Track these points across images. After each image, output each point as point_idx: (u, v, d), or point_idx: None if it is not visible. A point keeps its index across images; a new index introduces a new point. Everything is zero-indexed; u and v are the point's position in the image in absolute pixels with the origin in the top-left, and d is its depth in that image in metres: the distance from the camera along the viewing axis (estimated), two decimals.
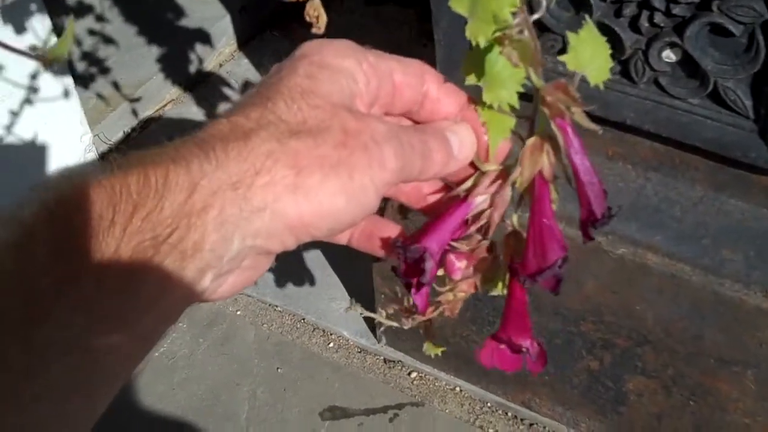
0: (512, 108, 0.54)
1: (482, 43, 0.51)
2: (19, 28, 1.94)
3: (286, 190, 0.44)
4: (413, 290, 0.56)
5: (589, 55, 0.51)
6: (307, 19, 1.17)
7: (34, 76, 2.10)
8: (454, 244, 0.56)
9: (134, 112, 2.69)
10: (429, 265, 0.52)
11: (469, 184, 0.55)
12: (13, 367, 0.37)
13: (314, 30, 1.17)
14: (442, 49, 1.44)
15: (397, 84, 0.53)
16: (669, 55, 1.26)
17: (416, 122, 0.56)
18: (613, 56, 1.28)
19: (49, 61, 0.87)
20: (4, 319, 0.37)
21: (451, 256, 0.57)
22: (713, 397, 1.54)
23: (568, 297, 1.56)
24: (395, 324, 0.69)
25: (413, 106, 0.54)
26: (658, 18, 1.22)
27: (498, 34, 0.50)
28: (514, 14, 0.50)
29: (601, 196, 0.53)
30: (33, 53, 0.88)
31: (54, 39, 2.09)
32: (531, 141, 0.53)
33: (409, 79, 0.53)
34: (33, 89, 2.11)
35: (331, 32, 2.80)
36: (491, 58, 0.53)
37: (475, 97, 0.56)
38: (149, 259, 0.41)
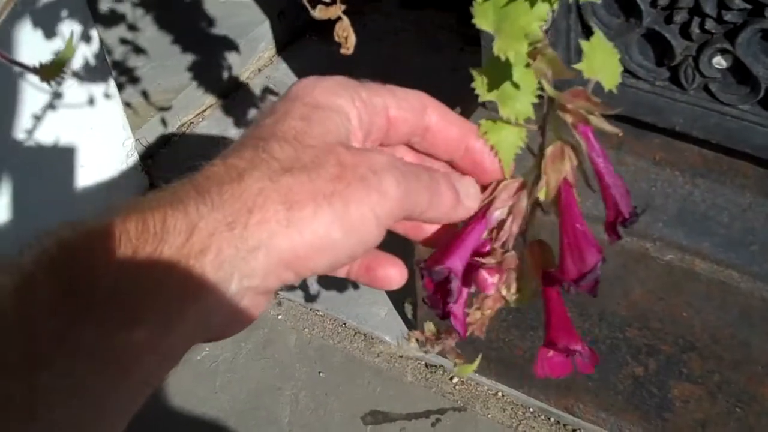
0: (527, 120, 0.55)
1: (512, 59, 0.51)
2: (49, 33, 1.95)
3: (278, 226, 0.44)
4: (452, 317, 0.56)
5: (600, 62, 0.52)
6: (336, 39, 1.17)
7: (74, 82, 2.12)
8: (481, 260, 0.57)
9: (174, 117, 2.71)
10: (455, 284, 0.52)
11: (486, 198, 0.56)
12: (17, 410, 0.37)
13: (343, 50, 1.17)
14: (488, 53, 1.44)
15: (391, 118, 0.52)
16: (719, 62, 1.25)
17: (418, 152, 0.56)
18: (662, 63, 1.28)
19: (46, 75, 0.87)
20: (7, 364, 0.37)
21: (483, 272, 0.57)
22: (759, 404, 1.53)
23: (614, 303, 1.55)
24: (420, 353, 0.69)
25: (411, 138, 0.54)
26: (710, 24, 1.22)
27: (529, 49, 0.51)
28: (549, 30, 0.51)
29: (626, 196, 0.54)
30: (30, 67, 0.88)
31: (83, 46, 2.11)
32: (551, 149, 0.54)
33: (404, 113, 0.52)
34: (74, 95, 2.13)
35: (369, 36, 2.82)
36: (506, 71, 0.53)
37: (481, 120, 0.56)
38: (149, 303, 0.41)
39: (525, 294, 0.59)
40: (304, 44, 3.05)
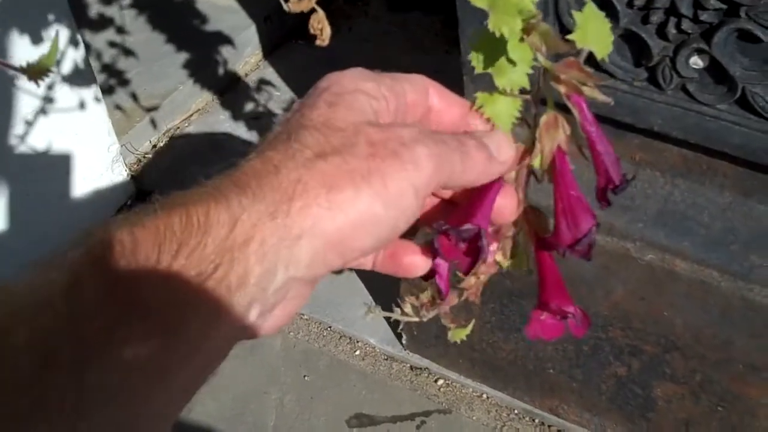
0: (522, 90, 0.55)
1: (506, 34, 0.52)
2: (36, 38, 1.95)
3: (321, 209, 0.44)
4: (437, 276, 0.56)
5: (593, 32, 0.53)
6: (312, 31, 1.17)
7: (58, 87, 2.12)
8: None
9: (160, 122, 2.71)
10: (485, 242, 0.53)
11: None
12: (64, 410, 0.37)
13: (318, 42, 1.17)
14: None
15: (409, 103, 0.53)
16: (696, 62, 1.26)
17: None
18: (640, 63, 1.29)
19: (32, 75, 0.88)
20: (58, 362, 0.38)
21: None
22: (742, 403, 1.53)
23: (596, 303, 1.56)
24: (415, 318, 0.70)
25: (420, 121, 0.55)
26: (686, 25, 1.22)
27: (523, 24, 0.52)
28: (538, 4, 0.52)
29: (617, 164, 0.55)
30: (16, 67, 0.88)
31: (71, 51, 2.11)
32: (545, 118, 0.55)
33: (417, 96, 0.54)
34: (58, 100, 2.13)
35: (356, 39, 2.83)
36: (501, 45, 0.54)
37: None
38: (196, 297, 0.41)
39: (520, 260, 0.60)
40: (290, 48, 3.06)
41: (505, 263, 0.60)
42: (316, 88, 0.51)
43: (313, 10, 1.14)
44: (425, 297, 0.67)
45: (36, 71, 0.84)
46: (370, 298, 2.13)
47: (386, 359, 2.04)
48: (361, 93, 0.50)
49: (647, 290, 1.49)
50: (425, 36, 3.03)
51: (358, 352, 2.06)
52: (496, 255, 0.60)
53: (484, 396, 1.94)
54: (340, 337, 2.10)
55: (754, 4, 1.15)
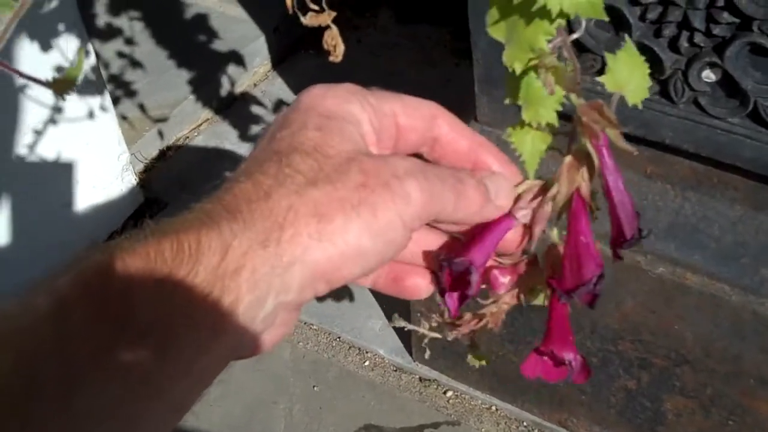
0: (551, 126, 0.55)
1: (518, 70, 0.51)
2: (46, 47, 1.95)
3: (311, 240, 0.44)
4: (447, 295, 0.56)
5: (627, 75, 0.52)
6: (325, 47, 1.18)
7: (69, 97, 2.12)
8: (498, 259, 0.57)
9: (169, 132, 2.72)
10: (474, 278, 0.53)
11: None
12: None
13: (331, 58, 1.18)
14: (480, 69, 1.45)
15: (400, 126, 0.52)
16: (709, 75, 1.26)
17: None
18: (652, 76, 1.29)
19: (59, 88, 0.87)
20: (42, 386, 0.38)
21: (495, 272, 0.58)
22: (752, 417, 1.53)
23: (606, 316, 1.55)
24: (439, 336, 0.70)
25: (421, 147, 0.54)
26: (698, 38, 1.22)
27: (534, 61, 0.51)
28: (549, 41, 0.51)
29: (632, 217, 0.54)
30: (42, 81, 0.88)
31: (84, 64, 2.11)
32: (567, 160, 0.54)
33: (414, 122, 0.53)
34: (69, 110, 2.13)
35: (365, 50, 2.83)
36: (529, 79, 0.53)
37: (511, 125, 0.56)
38: (184, 323, 0.41)
39: (537, 295, 0.60)
40: (299, 59, 3.06)
41: (524, 298, 0.60)
42: (300, 104, 0.51)
43: (327, 26, 1.15)
44: (447, 318, 0.67)
45: (62, 85, 0.84)
46: (380, 308, 2.12)
47: (395, 370, 2.04)
48: (347, 121, 0.49)
49: (657, 303, 1.49)
50: (434, 48, 3.03)
51: (367, 363, 2.06)
52: (518, 289, 0.60)
53: (493, 408, 1.93)
54: (350, 347, 2.10)
55: (767, 18, 1.15)
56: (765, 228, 1.41)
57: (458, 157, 0.55)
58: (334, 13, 1.10)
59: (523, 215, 0.56)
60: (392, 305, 2.10)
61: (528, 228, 0.57)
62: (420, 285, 0.56)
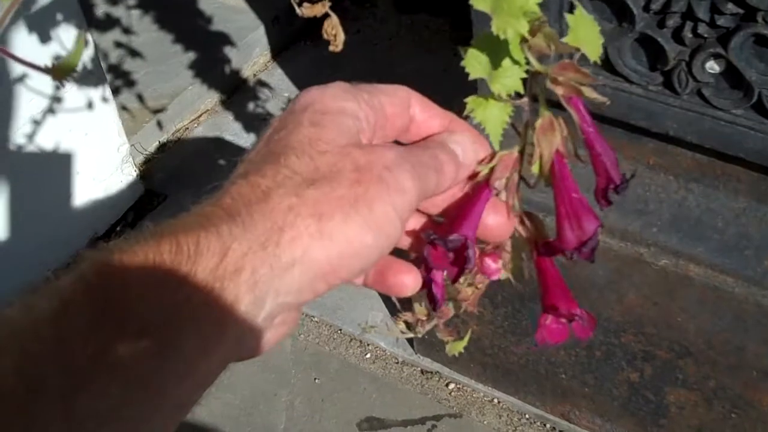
0: (515, 95, 0.55)
1: (510, 37, 0.52)
2: (45, 37, 1.95)
3: (311, 240, 0.45)
4: (433, 285, 0.57)
5: (584, 34, 0.53)
6: (325, 36, 1.17)
7: (68, 88, 2.12)
8: (482, 246, 0.58)
9: (169, 123, 2.71)
10: (471, 252, 0.53)
11: (486, 170, 0.56)
12: None
13: (331, 48, 1.17)
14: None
15: (389, 115, 0.53)
16: (712, 66, 1.25)
17: (401, 144, 0.56)
18: (656, 67, 1.28)
19: (58, 74, 0.87)
20: (45, 387, 0.37)
21: (486, 259, 0.59)
22: (755, 409, 1.52)
23: (608, 308, 1.55)
24: (411, 335, 0.70)
25: (401, 132, 0.55)
26: (702, 29, 1.21)
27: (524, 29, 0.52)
28: (540, 5, 0.52)
29: (616, 164, 0.55)
30: (42, 67, 0.88)
31: (83, 50, 2.10)
32: (540, 121, 0.55)
33: (397, 108, 0.54)
34: (68, 100, 2.12)
35: (364, 40, 2.82)
36: (498, 50, 0.54)
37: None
38: (185, 325, 0.41)
39: (516, 268, 0.60)
40: (299, 49, 3.05)
41: (503, 274, 0.60)
42: (295, 105, 0.51)
43: (326, 15, 1.14)
44: (420, 313, 0.67)
45: (60, 71, 0.83)
46: (381, 301, 2.12)
47: (397, 363, 2.03)
48: (344, 114, 0.50)
49: (660, 295, 1.49)
50: (433, 37, 3.02)
51: (368, 356, 2.06)
52: (501, 271, 0.60)
53: (495, 400, 1.93)
54: (351, 340, 2.10)
55: None
56: None
57: (432, 132, 0.56)
58: (329, 3, 1.08)
59: (500, 184, 0.56)
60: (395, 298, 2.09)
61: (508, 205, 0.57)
62: (406, 282, 0.55)
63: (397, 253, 0.53)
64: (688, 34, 1.23)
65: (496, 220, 0.56)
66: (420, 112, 0.55)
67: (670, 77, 1.29)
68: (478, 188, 0.56)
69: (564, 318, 0.57)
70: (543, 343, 0.58)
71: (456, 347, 0.72)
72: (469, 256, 0.53)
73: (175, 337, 0.41)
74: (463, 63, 0.55)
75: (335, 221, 0.45)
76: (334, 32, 1.16)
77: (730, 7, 1.17)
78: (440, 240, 0.53)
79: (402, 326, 0.71)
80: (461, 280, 0.59)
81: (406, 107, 0.54)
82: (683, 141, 1.36)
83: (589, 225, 0.53)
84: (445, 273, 0.57)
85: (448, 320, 0.67)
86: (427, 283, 0.56)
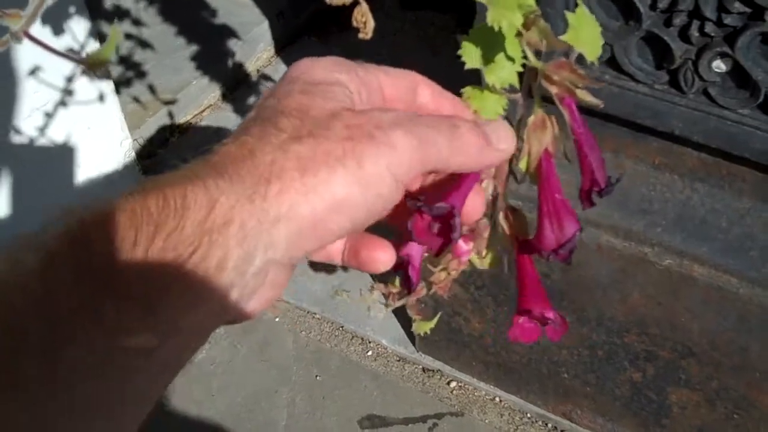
0: (510, 88, 0.56)
1: (505, 29, 0.52)
2: (58, 30, 1.94)
3: (297, 194, 0.44)
4: (410, 266, 0.57)
5: (585, 34, 0.53)
6: (355, 24, 1.16)
7: (72, 80, 2.11)
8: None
9: (172, 117, 2.70)
10: (457, 220, 0.52)
11: None
12: (37, 388, 0.37)
13: (361, 35, 1.16)
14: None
15: (387, 96, 0.53)
16: (719, 65, 1.24)
17: None
18: (662, 66, 1.27)
19: (92, 66, 0.87)
20: (29, 340, 0.37)
21: (459, 240, 0.59)
22: (758, 410, 1.52)
23: (612, 308, 1.54)
24: (382, 306, 0.71)
25: None
26: (709, 28, 1.20)
27: (518, 22, 0.53)
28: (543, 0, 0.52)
29: (603, 168, 0.55)
30: (77, 58, 0.88)
31: (92, 43, 2.10)
32: (533, 118, 0.55)
33: (399, 91, 0.53)
34: (72, 93, 2.12)
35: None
36: (494, 42, 0.55)
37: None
38: (172, 278, 0.41)
39: (493, 259, 0.61)
40: (303, 44, 3.05)
41: (479, 262, 0.61)
42: (288, 75, 0.51)
43: (355, 3, 1.13)
44: (394, 287, 0.67)
45: (95, 63, 0.83)
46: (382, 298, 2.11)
47: (398, 360, 2.03)
48: (336, 84, 0.50)
49: (664, 295, 1.48)
50: (438, 34, 3.01)
51: (370, 353, 2.05)
52: (471, 253, 0.60)
53: (497, 399, 1.92)
54: (352, 337, 2.09)
55: None
56: None
57: None
58: None
59: (488, 173, 0.57)
60: None
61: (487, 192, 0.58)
62: (378, 257, 0.55)
63: (373, 229, 0.53)
64: (694, 32, 1.22)
65: (472, 201, 0.56)
66: (430, 99, 0.55)
67: (677, 76, 1.28)
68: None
69: (537, 320, 0.58)
70: (515, 341, 0.59)
71: (422, 327, 0.73)
72: (455, 225, 0.52)
73: (160, 292, 0.40)
74: (459, 52, 0.55)
75: (320, 176, 0.45)
76: (364, 20, 1.16)
77: (738, 6, 1.16)
78: (427, 207, 0.52)
79: (375, 295, 0.71)
80: (437, 262, 0.59)
81: (411, 91, 0.54)
82: (689, 140, 1.35)
83: (569, 227, 0.53)
84: (424, 253, 0.57)
85: (420, 298, 0.67)
86: (405, 264, 0.57)
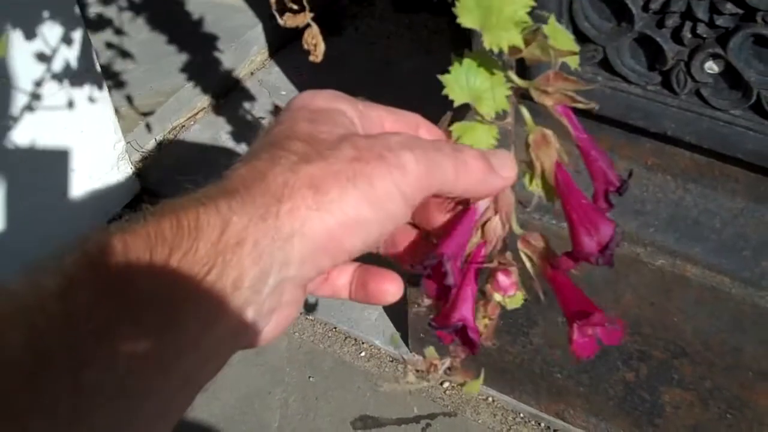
0: (499, 115, 0.56)
1: (506, 50, 0.52)
2: (45, 38, 1.95)
3: (309, 211, 0.45)
4: (469, 330, 0.55)
5: (561, 44, 0.54)
6: (305, 46, 1.16)
7: (64, 84, 2.11)
8: (497, 262, 0.57)
9: (165, 121, 2.70)
10: (449, 266, 0.52)
11: None
12: (61, 411, 0.38)
13: (311, 58, 1.16)
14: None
15: (387, 129, 0.54)
16: (711, 67, 1.25)
17: None
18: (654, 67, 1.28)
19: None
20: (54, 363, 0.38)
21: (499, 275, 0.58)
22: (751, 410, 1.52)
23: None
24: (425, 383, 0.70)
25: None
26: (701, 29, 1.21)
27: (515, 39, 0.53)
28: (529, 13, 0.52)
29: (612, 167, 0.55)
30: None
31: (75, 48, 2.10)
32: (533, 137, 0.55)
33: (400, 127, 0.54)
34: (65, 96, 2.12)
35: (362, 39, 2.81)
36: (477, 72, 0.55)
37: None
38: (188, 298, 0.42)
39: (527, 289, 0.60)
40: (296, 48, 3.03)
41: (508, 301, 0.60)
42: (291, 105, 0.52)
43: (307, 25, 1.13)
44: (432, 357, 0.66)
45: None
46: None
47: (392, 361, 2.03)
48: (338, 113, 0.51)
49: (657, 295, 1.48)
50: (432, 37, 3.02)
51: (363, 354, 2.06)
52: (495, 295, 0.60)
53: (490, 399, 1.93)
54: (346, 338, 2.09)
55: None
56: (766, 220, 1.41)
57: None
58: (311, 14, 1.08)
59: (484, 204, 0.56)
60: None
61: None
62: (387, 289, 0.56)
63: (383, 263, 0.53)
64: (687, 34, 1.23)
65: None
66: (426, 136, 0.55)
67: (669, 77, 1.29)
68: (463, 211, 0.56)
69: (595, 324, 0.56)
70: (583, 357, 0.57)
71: (473, 387, 0.71)
72: (447, 271, 0.52)
73: (177, 312, 0.41)
74: (444, 92, 0.55)
75: (332, 194, 0.46)
76: (315, 42, 1.16)
77: (729, 7, 1.17)
78: (418, 267, 0.53)
79: (411, 377, 0.70)
80: (478, 315, 0.59)
81: (413, 131, 0.55)
82: (681, 141, 1.36)
83: (605, 228, 0.52)
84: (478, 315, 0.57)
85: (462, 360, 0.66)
86: (462, 328, 0.55)
